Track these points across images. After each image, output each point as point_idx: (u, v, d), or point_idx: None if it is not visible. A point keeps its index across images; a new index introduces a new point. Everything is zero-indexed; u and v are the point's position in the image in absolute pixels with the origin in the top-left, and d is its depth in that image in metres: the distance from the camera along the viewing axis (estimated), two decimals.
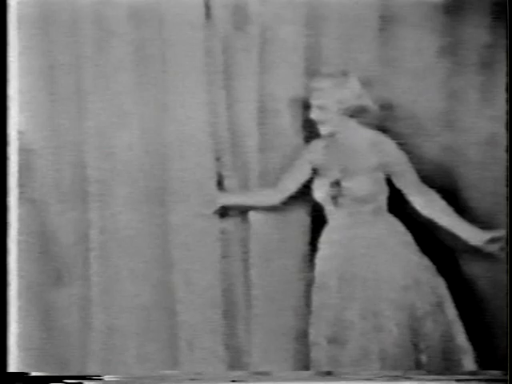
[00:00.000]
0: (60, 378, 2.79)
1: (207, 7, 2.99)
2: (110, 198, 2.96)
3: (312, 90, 2.87)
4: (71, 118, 2.96)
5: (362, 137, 2.90)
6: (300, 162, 2.90)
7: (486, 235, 2.78)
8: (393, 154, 2.85)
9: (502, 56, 2.94)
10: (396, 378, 2.76)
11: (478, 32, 2.99)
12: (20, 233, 2.89)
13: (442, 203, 2.83)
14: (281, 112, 2.98)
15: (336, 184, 2.83)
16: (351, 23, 3.01)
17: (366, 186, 2.82)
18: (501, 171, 2.91)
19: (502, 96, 2.93)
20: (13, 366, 2.82)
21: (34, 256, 2.90)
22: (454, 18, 2.99)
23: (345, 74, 2.89)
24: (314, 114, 2.88)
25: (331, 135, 2.89)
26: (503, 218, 2.86)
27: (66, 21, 2.93)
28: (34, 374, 2.79)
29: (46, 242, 2.93)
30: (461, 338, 2.79)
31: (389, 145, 2.86)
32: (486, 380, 2.78)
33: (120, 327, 2.95)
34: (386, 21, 3.00)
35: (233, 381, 2.81)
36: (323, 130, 2.88)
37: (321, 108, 2.85)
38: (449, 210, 2.82)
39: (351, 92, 2.86)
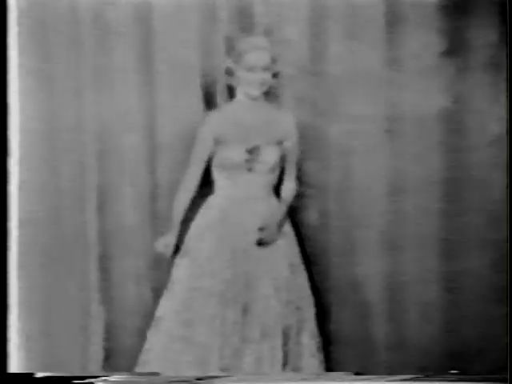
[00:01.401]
0: (60, 379, 2.82)
1: (212, 8, 2.98)
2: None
3: (252, 48, 2.86)
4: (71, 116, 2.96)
5: (268, 110, 2.97)
6: (205, 135, 2.92)
7: None
8: (289, 128, 2.97)
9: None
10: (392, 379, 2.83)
11: (484, 32, 2.95)
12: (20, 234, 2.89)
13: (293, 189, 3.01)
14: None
15: (255, 149, 2.90)
16: (356, 23, 2.98)
17: (276, 155, 2.94)
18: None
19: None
20: (13, 366, 2.84)
21: (34, 256, 2.91)
22: (460, 18, 2.96)
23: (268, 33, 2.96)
24: (258, 79, 2.87)
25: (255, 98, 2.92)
26: None
27: (65, 20, 2.93)
28: (39, 374, 2.84)
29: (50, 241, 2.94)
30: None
31: (290, 120, 2.98)
32: (486, 380, 2.80)
33: (120, 328, 2.98)
34: (392, 20, 2.97)
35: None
36: (256, 91, 2.89)
37: (265, 68, 2.87)
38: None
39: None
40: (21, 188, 2.90)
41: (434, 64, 2.99)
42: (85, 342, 2.96)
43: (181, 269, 2.93)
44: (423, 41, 2.98)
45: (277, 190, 3.02)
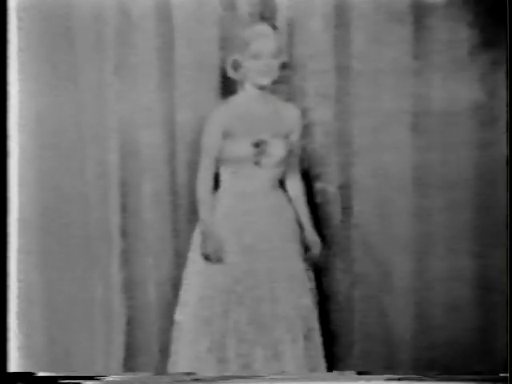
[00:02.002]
0: (61, 379, 2.80)
1: (232, 2, 2.95)
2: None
3: (257, 35, 2.80)
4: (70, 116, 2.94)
5: (274, 103, 2.90)
6: (213, 129, 2.85)
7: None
8: (295, 122, 2.92)
9: None
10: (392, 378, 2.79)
11: None
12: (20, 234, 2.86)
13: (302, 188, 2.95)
14: None
15: (262, 143, 2.83)
16: (382, 15, 2.91)
17: (284, 148, 2.87)
18: None
19: None
20: (13, 366, 2.82)
21: (34, 256, 2.88)
22: (490, 10, 2.87)
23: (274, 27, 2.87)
24: (264, 67, 2.80)
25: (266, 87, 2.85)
26: None
27: (65, 20, 2.90)
28: (39, 374, 2.83)
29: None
30: None
31: (296, 113, 2.93)
32: (487, 380, 2.76)
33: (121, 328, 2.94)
34: (419, 12, 2.89)
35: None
36: (265, 80, 2.82)
37: (271, 55, 2.79)
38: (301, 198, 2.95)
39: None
40: (20, 188, 2.88)
41: (465, 58, 2.88)
42: (86, 341, 2.93)
43: (192, 264, 2.88)
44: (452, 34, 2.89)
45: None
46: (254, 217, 2.86)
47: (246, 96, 2.88)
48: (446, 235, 2.93)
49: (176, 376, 2.82)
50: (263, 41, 2.80)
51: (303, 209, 2.94)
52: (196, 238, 2.88)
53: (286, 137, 2.89)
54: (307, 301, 2.87)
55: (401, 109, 2.93)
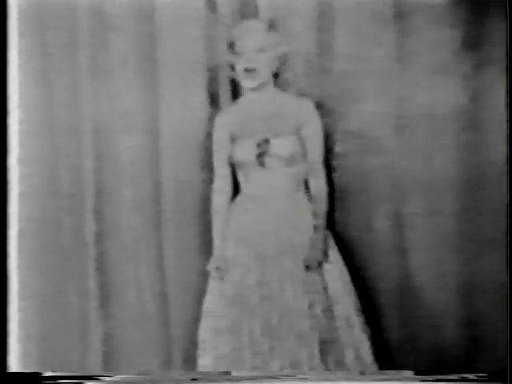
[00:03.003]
0: (62, 378, 2.79)
1: (211, 1, 2.89)
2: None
3: (242, 32, 2.73)
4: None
5: (281, 99, 2.81)
6: (218, 135, 2.80)
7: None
8: (306, 115, 2.78)
9: None
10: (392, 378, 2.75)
11: (502, 25, 2.80)
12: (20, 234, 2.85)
13: (322, 189, 2.80)
14: None
15: (264, 143, 2.74)
16: (365, 15, 2.85)
17: (291, 146, 2.75)
18: None
19: None
20: (13, 366, 2.82)
21: (34, 256, 2.86)
22: (475, 11, 2.81)
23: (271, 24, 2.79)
24: (245, 63, 2.72)
25: (258, 88, 2.77)
26: None
27: (65, 20, 2.87)
28: (42, 374, 2.82)
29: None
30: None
31: (307, 106, 2.80)
32: (487, 380, 2.73)
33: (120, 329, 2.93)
34: (402, 13, 2.83)
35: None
36: (251, 83, 2.74)
37: (259, 50, 2.71)
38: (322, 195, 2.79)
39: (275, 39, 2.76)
40: (21, 193, 2.85)
41: (448, 60, 2.83)
42: (84, 342, 2.92)
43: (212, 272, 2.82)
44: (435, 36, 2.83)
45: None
46: (265, 223, 2.76)
47: (246, 96, 2.82)
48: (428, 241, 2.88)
49: (178, 376, 2.79)
50: (247, 36, 2.71)
51: (320, 212, 2.79)
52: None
53: (296, 133, 2.77)
54: (318, 310, 2.74)
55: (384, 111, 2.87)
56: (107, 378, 2.78)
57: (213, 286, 2.79)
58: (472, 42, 2.82)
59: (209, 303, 2.78)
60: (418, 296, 2.85)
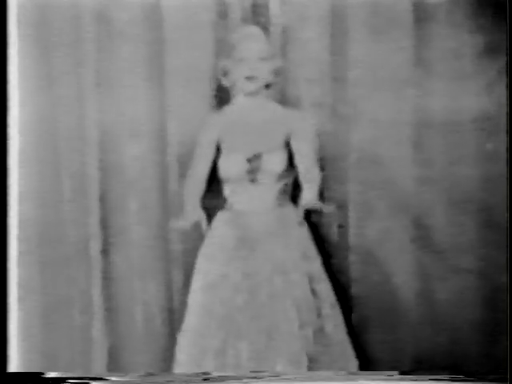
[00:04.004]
0: (63, 379, 2.76)
1: (224, 6, 2.83)
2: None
3: (243, 38, 2.65)
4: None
5: (270, 110, 2.71)
6: (205, 139, 2.70)
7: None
8: (298, 128, 2.67)
9: None
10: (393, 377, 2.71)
11: None
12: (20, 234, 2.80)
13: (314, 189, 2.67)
14: None
15: (255, 158, 2.63)
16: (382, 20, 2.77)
17: (283, 160, 2.65)
18: None
19: None
20: (13, 366, 2.79)
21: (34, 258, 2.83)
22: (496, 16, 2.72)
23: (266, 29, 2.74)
24: (248, 71, 2.62)
25: (252, 95, 2.67)
26: None
27: (67, 21, 2.83)
28: (47, 375, 2.79)
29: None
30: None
31: (297, 114, 2.71)
32: (486, 381, 2.69)
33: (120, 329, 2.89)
34: (420, 18, 2.74)
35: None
36: (251, 85, 2.64)
37: (259, 58, 2.63)
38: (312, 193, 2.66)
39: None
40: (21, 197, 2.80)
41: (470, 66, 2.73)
42: (85, 342, 2.89)
43: (196, 290, 2.70)
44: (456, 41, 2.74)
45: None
46: (252, 241, 2.66)
47: (238, 105, 2.72)
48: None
49: (181, 376, 2.71)
50: (249, 43, 2.64)
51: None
52: (199, 263, 2.72)
53: (286, 145, 2.67)
54: (309, 331, 2.63)
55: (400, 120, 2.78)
56: (108, 379, 2.74)
57: (197, 301, 2.69)
58: (492, 48, 2.74)
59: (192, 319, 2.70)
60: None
